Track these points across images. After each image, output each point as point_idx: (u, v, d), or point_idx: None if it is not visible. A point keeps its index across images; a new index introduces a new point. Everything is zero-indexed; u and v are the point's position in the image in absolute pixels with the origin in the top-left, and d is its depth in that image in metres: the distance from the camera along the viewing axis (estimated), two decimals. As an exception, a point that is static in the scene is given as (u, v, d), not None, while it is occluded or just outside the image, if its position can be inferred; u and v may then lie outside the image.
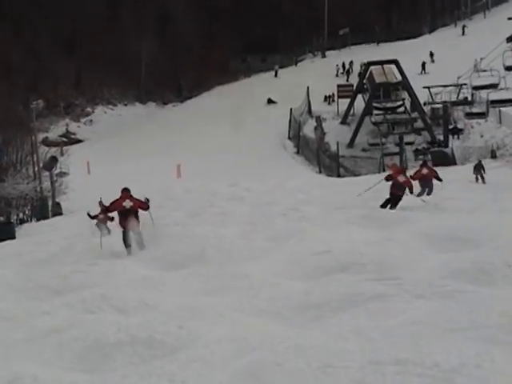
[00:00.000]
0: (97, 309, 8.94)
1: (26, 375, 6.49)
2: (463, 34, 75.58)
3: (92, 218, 18.56)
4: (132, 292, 9.56)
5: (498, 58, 43.97)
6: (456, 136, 52.18)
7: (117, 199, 15.66)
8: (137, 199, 15.73)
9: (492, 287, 8.57)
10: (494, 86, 46.85)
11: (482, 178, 29.07)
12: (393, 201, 19.46)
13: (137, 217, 15.53)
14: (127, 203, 15.49)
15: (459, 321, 6.71)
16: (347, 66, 71.52)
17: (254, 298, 9.24)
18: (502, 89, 46.42)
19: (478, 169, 29.61)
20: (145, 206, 15.78)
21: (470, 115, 49.90)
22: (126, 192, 15.72)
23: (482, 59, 49.42)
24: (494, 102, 46.22)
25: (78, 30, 75.66)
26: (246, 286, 9.92)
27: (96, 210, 18.79)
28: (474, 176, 29.29)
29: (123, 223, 15.37)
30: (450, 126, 52.25)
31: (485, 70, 46.72)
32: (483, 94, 47.66)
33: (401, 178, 19.79)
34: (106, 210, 16.79)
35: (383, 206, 19.43)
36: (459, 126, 52.69)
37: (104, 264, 11.95)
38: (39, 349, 7.46)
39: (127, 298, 9.27)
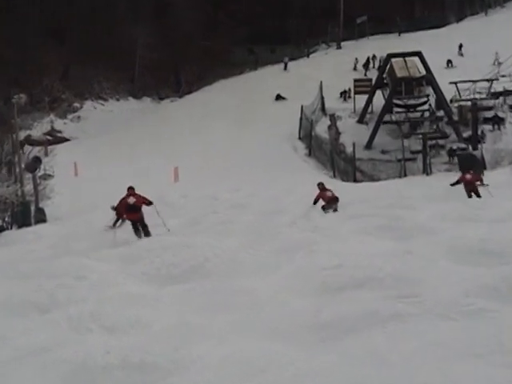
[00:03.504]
0: (84, 328, 8.95)
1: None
2: None
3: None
4: (123, 309, 9.56)
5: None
6: (497, 126, 51.75)
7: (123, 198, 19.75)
8: (140, 196, 19.70)
9: (525, 307, 8.55)
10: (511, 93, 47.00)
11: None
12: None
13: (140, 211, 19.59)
14: (131, 200, 19.50)
15: (487, 344, 6.71)
16: (370, 60, 70.98)
17: (259, 316, 9.26)
18: None
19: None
20: (147, 201, 19.62)
21: None
22: (130, 190, 19.79)
23: (500, 64, 49.60)
24: None
25: (68, 18, 75.73)
26: (250, 302, 9.93)
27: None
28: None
29: (130, 217, 19.69)
30: (490, 115, 51.87)
31: (504, 76, 46.74)
32: None
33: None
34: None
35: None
36: (500, 114, 52.28)
37: (93, 277, 11.95)
38: (22, 369, 7.48)
39: (118, 315, 9.28)
